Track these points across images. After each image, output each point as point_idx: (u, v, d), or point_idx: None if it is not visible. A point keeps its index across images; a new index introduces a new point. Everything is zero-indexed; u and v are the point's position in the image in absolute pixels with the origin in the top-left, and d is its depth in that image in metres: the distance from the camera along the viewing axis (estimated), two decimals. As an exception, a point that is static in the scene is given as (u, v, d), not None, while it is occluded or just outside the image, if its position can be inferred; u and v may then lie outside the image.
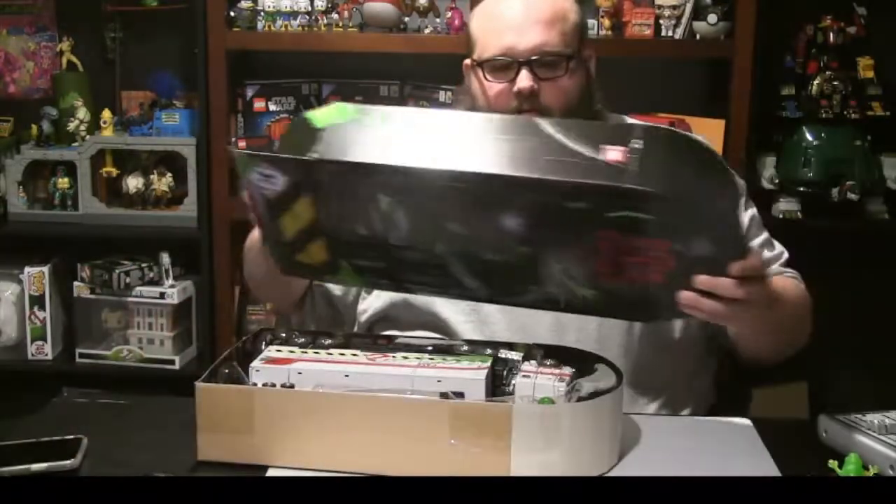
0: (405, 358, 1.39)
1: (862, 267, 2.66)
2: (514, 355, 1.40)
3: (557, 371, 1.34)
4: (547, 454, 1.23)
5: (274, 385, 1.32)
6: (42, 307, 2.63)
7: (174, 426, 1.40)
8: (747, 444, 1.39)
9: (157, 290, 2.58)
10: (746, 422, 1.46)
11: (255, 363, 1.37)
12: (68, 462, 1.27)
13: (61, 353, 2.68)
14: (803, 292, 1.66)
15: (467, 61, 1.65)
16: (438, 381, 1.31)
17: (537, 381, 1.31)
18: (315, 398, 1.29)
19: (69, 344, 2.68)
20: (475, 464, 1.23)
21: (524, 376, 1.33)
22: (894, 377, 2.47)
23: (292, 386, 1.33)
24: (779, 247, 1.71)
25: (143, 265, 2.59)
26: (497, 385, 1.35)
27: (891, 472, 1.23)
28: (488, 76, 1.60)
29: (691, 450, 1.37)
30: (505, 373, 1.36)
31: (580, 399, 1.29)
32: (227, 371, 1.36)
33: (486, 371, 1.33)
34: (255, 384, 1.34)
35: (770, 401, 1.65)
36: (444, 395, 1.29)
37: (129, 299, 2.59)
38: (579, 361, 1.39)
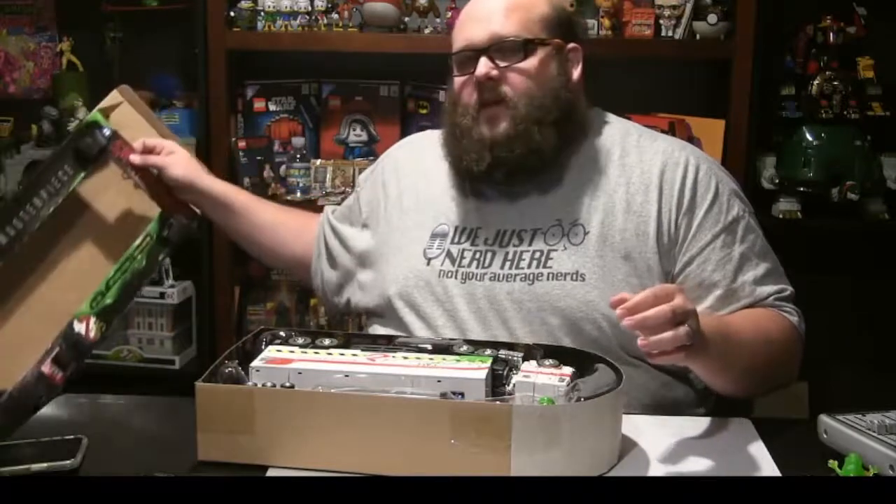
0: (405, 358, 1.39)
1: (862, 267, 2.66)
2: (515, 355, 1.40)
3: (557, 371, 1.34)
4: (547, 454, 1.23)
5: (274, 385, 1.32)
6: (42, 307, 2.62)
7: (174, 426, 1.41)
8: (747, 444, 1.39)
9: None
10: (746, 422, 1.46)
11: (255, 363, 1.37)
12: (68, 462, 1.27)
13: (61, 353, 2.68)
14: (784, 332, 1.55)
15: None
16: (438, 381, 1.31)
17: (537, 381, 1.31)
18: (315, 398, 1.29)
19: (69, 344, 2.68)
20: (475, 464, 1.23)
21: (524, 376, 1.33)
22: (894, 377, 2.47)
23: (292, 386, 1.33)
24: (774, 282, 1.58)
25: (144, 265, 2.59)
26: (497, 385, 1.34)
27: (891, 472, 1.23)
28: (457, 71, 1.63)
29: (691, 450, 1.37)
30: (505, 373, 1.36)
31: (580, 399, 1.29)
32: (227, 371, 1.36)
33: (486, 371, 1.33)
34: (255, 384, 1.34)
35: (770, 401, 1.64)
36: (443, 395, 1.29)
37: (129, 299, 2.59)
38: (579, 361, 1.39)
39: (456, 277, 1.59)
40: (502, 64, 1.57)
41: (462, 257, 1.60)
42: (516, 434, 1.22)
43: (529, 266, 1.56)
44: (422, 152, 1.76)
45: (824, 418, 1.36)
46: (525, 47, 1.58)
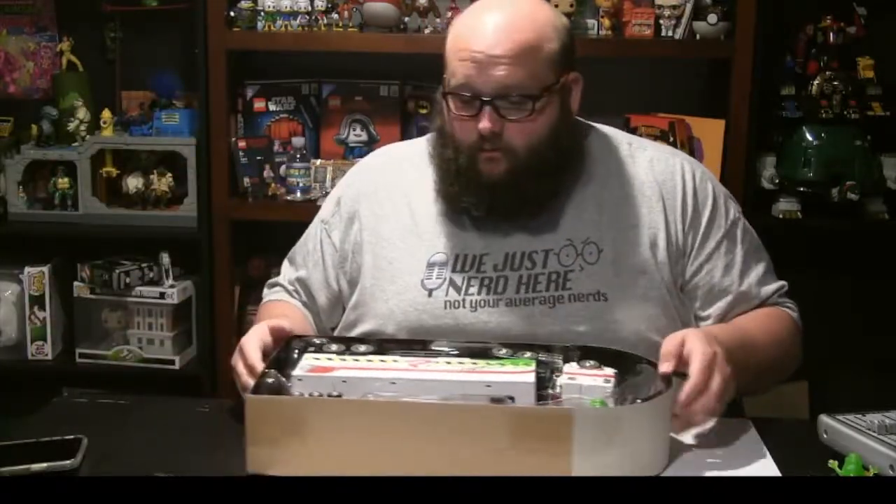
0: (448, 363, 1.36)
1: (862, 267, 2.66)
2: (554, 357, 1.38)
3: (600, 372, 1.33)
4: (607, 456, 1.22)
5: (321, 394, 1.29)
6: (42, 307, 2.62)
7: (174, 426, 1.40)
8: (747, 444, 1.39)
9: (157, 290, 2.58)
10: (746, 422, 1.46)
11: (297, 372, 1.33)
12: (68, 462, 1.27)
13: (61, 353, 2.67)
14: (789, 329, 1.62)
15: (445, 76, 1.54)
16: (487, 386, 1.29)
17: (583, 383, 1.30)
18: (370, 407, 1.25)
19: (69, 344, 2.67)
20: (535, 469, 1.20)
21: (569, 378, 1.31)
22: (894, 377, 2.47)
23: (339, 395, 1.29)
24: (773, 278, 1.63)
25: (143, 265, 2.59)
26: (541, 388, 1.32)
27: (891, 472, 1.23)
28: (454, 108, 1.52)
29: (691, 450, 1.36)
30: (548, 375, 1.34)
31: (635, 400, 1.28)
32: (269, 382, 1.31)
33: (533, 374, 1.31)
34: (301, 394, 1.30)
35: (770, 401, 1.64)
36: (496, 400, 1.27)
37: (129, 299, 2.59)
38: (618, 362, 1.37)
39: (465, 307, 1.52)
40: (509, 117, 1.48)
41: (469, 285, 1.53)
42: (577, 437, 1.20)
43: (548, 289, 1.52)
44: (396, 175, 1.65)
45: (824, 418, 1.36)
46: (534, 102, 1.48)
